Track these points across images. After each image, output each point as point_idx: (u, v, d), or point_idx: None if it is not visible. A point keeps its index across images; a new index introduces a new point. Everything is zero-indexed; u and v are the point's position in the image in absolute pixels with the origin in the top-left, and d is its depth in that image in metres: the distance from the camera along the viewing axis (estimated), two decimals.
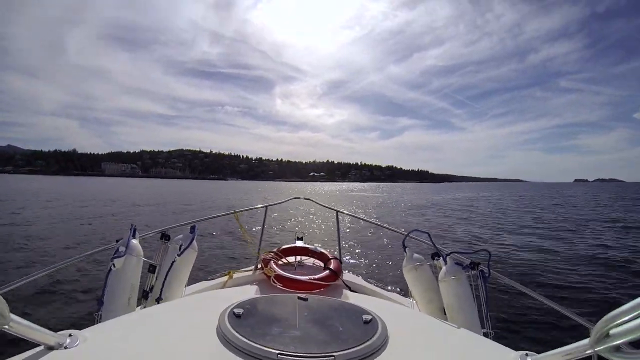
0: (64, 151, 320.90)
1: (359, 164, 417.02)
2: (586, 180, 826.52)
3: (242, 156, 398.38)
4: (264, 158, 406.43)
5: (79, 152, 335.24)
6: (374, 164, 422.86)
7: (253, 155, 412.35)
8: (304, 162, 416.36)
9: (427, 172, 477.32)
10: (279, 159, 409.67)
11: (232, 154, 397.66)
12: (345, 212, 3.47)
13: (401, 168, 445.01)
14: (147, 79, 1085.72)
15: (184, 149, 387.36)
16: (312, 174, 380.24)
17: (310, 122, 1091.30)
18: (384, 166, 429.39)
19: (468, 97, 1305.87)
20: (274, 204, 3.45)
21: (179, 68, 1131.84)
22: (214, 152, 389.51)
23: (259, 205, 3.28)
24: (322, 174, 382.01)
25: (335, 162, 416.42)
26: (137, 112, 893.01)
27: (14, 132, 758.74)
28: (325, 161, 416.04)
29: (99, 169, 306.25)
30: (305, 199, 3.79)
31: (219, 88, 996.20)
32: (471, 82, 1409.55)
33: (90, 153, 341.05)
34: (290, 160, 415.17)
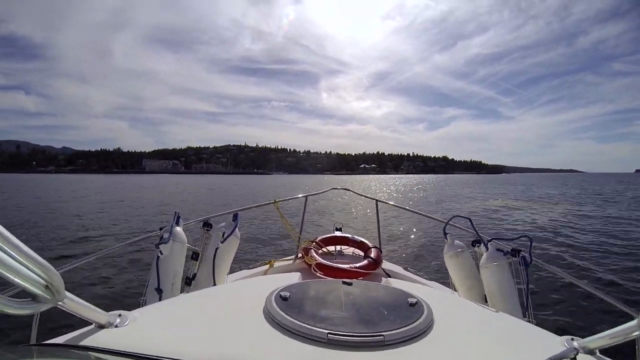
0: (105, 150, 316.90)
1: (411, 154, 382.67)
2: None
3: (289, 149, 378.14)
4: (312, 151, 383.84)
5: (125, 150, 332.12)
6: (425, 155, 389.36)
7: (301, 149, 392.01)
8: (353, 154, 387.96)
9: (481, 162, 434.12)
10: (328, 152, 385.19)
11: (279, 147, 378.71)
12: (384, 201, 3.51)
13: (453, 159, 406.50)
14: (193, 78, 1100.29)
15: (231, 144, 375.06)
16: (362, 165, 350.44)
17: (357, 114, 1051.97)
18: (438, 157, 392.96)
19: (515, 85, 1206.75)
20: (314, 194, 3.49)
21: (223, 66, 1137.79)
22: (260, 146, 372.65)
23: (299, 195, 3.28)
24: (373, 165, 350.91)
25: (386, 153, 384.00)
26: (185, 110, 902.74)
27: (69, 135, 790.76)
28: (375, 153, 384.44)
29: (140, 166, 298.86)
30: (344, 189, 3.83)
31: (264, 84, 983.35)
32: (518, 68, 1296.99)
33: (133, 151, 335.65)
34: (340, 152, 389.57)
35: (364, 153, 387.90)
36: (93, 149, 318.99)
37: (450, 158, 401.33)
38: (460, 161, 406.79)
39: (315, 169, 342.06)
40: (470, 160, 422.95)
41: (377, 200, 3.32)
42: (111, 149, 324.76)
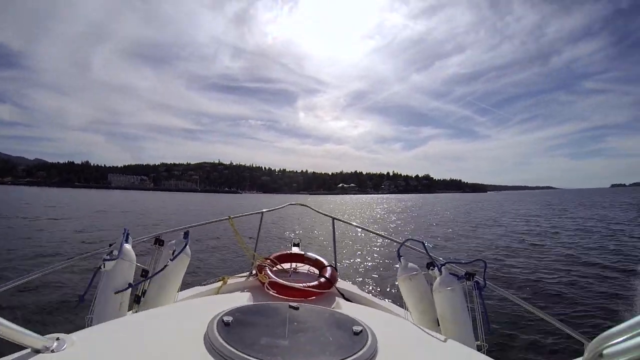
0: (71, 162, 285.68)
1: (391, 174, 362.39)
2: (624, 185, 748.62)
3: (264, 168, 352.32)
4: (287, 170, 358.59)
5: (99, 164, 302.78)
6: (405, 174, 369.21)
7: (276, 168, 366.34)
8: (330, 173, 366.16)
9: (460, 181, 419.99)
10: (304, 170, 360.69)
11: (254, 165, 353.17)
12: (341, 219, 3.43)
13: (432, 178, 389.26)
14: (171, 94, 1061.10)
15: (207, 162, 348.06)
16: (341, 185, 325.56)
17: (334, 134, 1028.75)
18: (420, 175, 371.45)
19: (491, 104, 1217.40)
20: (270, 210, 3.35)
21: (202, 83, 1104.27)
22: (234, 164, 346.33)
23: (255, 212, 3.18)
24: (352, 185, 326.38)
25: (364, 172, 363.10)
26: (162, 127, 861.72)
27: (43, 147, 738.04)
28: (352, 172, 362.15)
29: (105, 181, 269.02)
30: (301, 205, 3.75)
31: (243, 102, 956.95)
32: (494, 88, 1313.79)
33: (103, 165, 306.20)
34: (316, 172, 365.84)
35: (341, 172, 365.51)
36: (65, 162, 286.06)
37: (431, 177, 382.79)
38: (440, 180, 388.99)
39: (291, 189, 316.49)
40: (450, 179, 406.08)
41: (333, 218, 3.24)
42: (83, 162, 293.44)
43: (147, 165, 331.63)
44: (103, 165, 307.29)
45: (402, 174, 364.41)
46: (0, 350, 0.91)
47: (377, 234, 3.42)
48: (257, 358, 0.92)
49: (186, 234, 2.19)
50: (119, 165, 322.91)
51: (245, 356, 0.93)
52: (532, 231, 16.24)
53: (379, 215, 32.25)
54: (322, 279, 2.37)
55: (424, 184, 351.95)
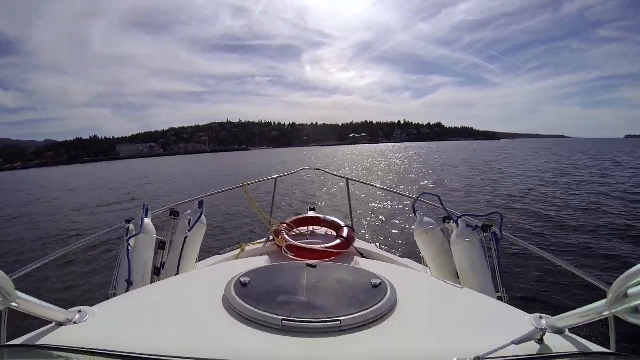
0: (79, 139, 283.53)
1: (402, 122, 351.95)
2: (638, 136, 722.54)
3: (274, 123, 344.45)
4: (297, 123, 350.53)
5: (107, 137, 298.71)
6: (416, 123, 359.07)
7: (286, 122, 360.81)
8: (340, 124, 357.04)
9: (472, 129, 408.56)
10: (314, 123, 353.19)
11: (263, 121, 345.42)
12: (355, 179, 3.42)
13: (444, 125, 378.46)
14: (174, 60, 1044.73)
15: (216, 122, 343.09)
16: (352, 135, 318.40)
17: (342, 85, 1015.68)
18: (432, 123, 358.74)
19: (501, 52, 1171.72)
20: (284, 175, 3.45)
21: (204, 45, 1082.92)
22: (242, 121, 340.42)
23: (268, 177, 3.23)
24: (363, 135, 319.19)
25: (374, 122, 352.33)
26: (167, 92, 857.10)
27: (51, 127, 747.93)
28: (363, 122, 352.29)
29: (114, 152, 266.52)
30: (314, 169, 3.89)
31: (247, 60, 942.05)
32: (503, 35, 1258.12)
33: (111, 137, 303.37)
34: (326, 123, 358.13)
35: (351, 122, 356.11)
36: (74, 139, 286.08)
37: (443, 125, 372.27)
38: (452, 128, 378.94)
39: (301, 142, 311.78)
40: (462, 127, 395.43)
41: (347, 179, 3.23)
42: (91, 137, 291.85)
43: (156, 132, 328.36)
44: (112, 137, 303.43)
45: (413, 123, 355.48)
46: (27, 325, 0.95)
47: (391, 191, 3.26)
48: (275, 314, 0.91)
49: (201, 204, 2.19)
50: (128, 136, 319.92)
51: (264, 313, 0.92)
52: (549, 182, 15.71)
53: (394, 167, 30.66)
54: (340, 240, 2.35)
55: (436, 132, 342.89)
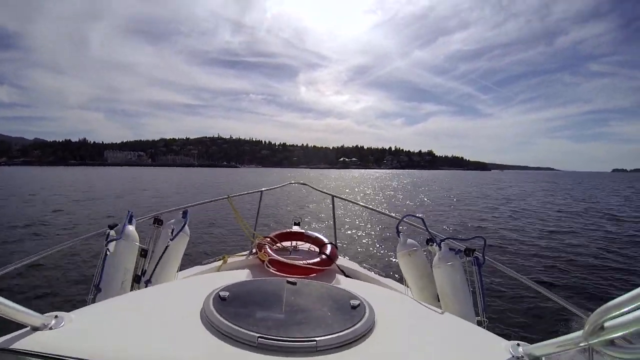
0: (68, 140, 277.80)
1: (393, 149, 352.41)
2: (625, 170, 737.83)
3: (264, 142, 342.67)
4: (288, 143, 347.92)
5: (98, 142, 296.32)
6: (407, 150, 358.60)
7: (277, 142, 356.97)
8: (331, 147, 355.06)
9: (462, 158, 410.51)
10: (305, 144, 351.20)
11: (254, 139, 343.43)
12: (341, 197, 3.40)
13: (435, 154, 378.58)
14: (171, 70, 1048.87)
15: (207, 136, 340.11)
16: (342, 159, 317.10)
17: (336, 108, 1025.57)
18: (424, 151, 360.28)
19: (494, 82, 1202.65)
20: (270, 189, 3.36)
21: (202, 58, 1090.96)
22: (234, 138, 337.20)
23: (254, 190, 3.19)
24: (354, 159, 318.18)
25: (365, 147, 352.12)
26: (162, 103, 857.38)
27: (42, 127, 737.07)
28: (354, 146, 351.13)
29: (102, 158, 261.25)
30: (301, 183, 3.75)
31: (243, 77, 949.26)
32: (497, 66, 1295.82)
33: (101, 143, 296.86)
34: (317, 145, 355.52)
35: (342, 146, 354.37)
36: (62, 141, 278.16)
37: (434, 153, 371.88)
38: (443, 157, 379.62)
39: (291, 163, 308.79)
40: (452, 156, 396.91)
41: (333, 196, 3.23)
42: (80, 140, 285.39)
43: (147, 141, 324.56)
44: (101, 143, 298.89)
45: (404, 150, 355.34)
46: (0, 328, 0.94)
47: (376, 210, 3.47)
48: (252, 331, 0.91)
49: (185, 213, 2.18)
50: (117, 142, 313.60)
51: (241, 329, 0.92)
52: (535, 212, 16.06)
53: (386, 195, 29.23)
54: (322, 257, 2.34)
55: (427, 160, 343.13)
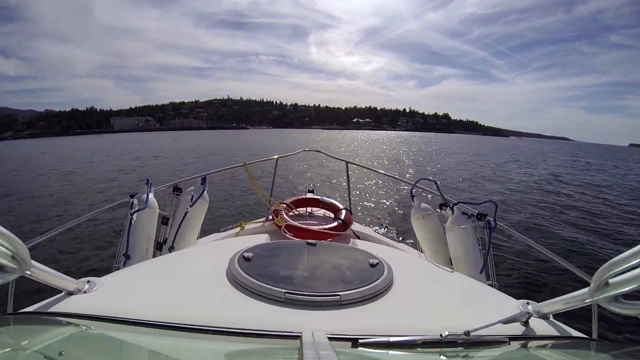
0: (75, 109, 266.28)
1: (407, 110, 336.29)
2: None
3: (275, 102, 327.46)
4: (299, 104, 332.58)
5: (107, 109, 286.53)
6: (422, 112, 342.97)
7: (288, 102, 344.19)
8: (343, 108, 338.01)
9: (477, 123, 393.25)
10: (317, 105, 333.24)
11: (265, 100, 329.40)
12: (354, 162, 3.42)
13: (451, 117, 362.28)
14: (178, 34, 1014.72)
15: (215, 99, 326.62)
16: (356, 120, 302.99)
17: (347, 69, 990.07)
18: (439, 114, 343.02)
19: (509, 48, 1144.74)
20: (285, 155, 3.43)
21: (210, 20, 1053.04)
22: (244, 99, 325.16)
23: (270, 157, 3.22)
24: (367, 120, 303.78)
25: (379, 108, 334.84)
26: (171, 67, 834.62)
27: (51, 97, 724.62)
28: (367, 107, 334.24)
29: (108, 125, 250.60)
30: (315, 150, 3.81)
31: (252, 38, 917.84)
32: (513, 31, 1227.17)
33: (109, 110, 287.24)
34: (329, 106, 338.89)
35: (355, 107, 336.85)
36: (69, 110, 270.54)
37: (450, 117, 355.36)
38: (458, 120, 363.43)
39: (303, 123, 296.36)
40: (467, 120, 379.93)
41: (347, 162, 3.22)
42: (88, 108, 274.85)
43: (155, 106, 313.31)
44: (109, 110, 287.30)
45: (419, 112, 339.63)
46: (37, 294, 0.98)
47: (390, 176, 3.22)
48: (278, 287, 0.94)
49: (204, 180, 2.21)
50: (126, 108, 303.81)
51: (268, 286, 0.94)
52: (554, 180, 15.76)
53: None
54: (338, 222, 2.36)
55: (443, 123, 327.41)
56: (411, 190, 2.20)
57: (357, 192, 10.68)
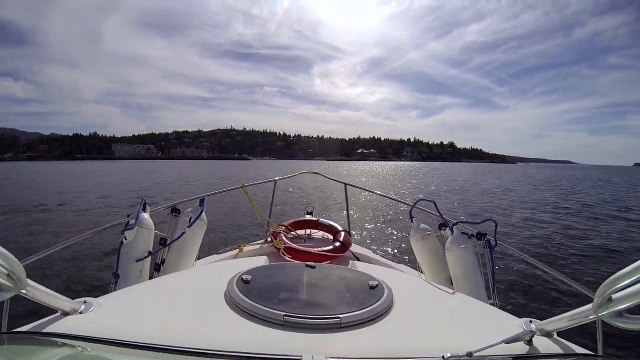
0: (77, 134, 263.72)
1: (412, 140, 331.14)
2: None
3: (279, 133, 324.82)
4: (302, 135, 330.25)
5: (110, 135, 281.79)
6: (426, 142, 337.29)
7: (291, 133, 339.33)
8: (347, 138, 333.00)
9: (481, 150, 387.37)
10: (320, 136, 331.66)
11: (268, 130, 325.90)
12: (353, 184, 3.40)
13: (455, 146, 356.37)
14: (185, 63, 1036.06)
15: (219, 128, 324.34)
16: (360, 150, 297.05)
17: (350, 100, 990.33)
18: (445, 143, 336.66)
19: (510, 74, 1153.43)
20: (284, 178, 3.39)
21: (216, 51, 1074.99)
22: (247, 129, 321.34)
23: (268, 179, 3.23)
24: (372, 151, 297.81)
25: (382, 138, 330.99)
26: (176, 96, 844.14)
27: (58, 121, 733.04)
28: (371, 137, 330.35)
29: (109, 151, 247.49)
30: (314, 172, 3.74)
31: (257, 69, 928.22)
32: (513, 58, 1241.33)
33: (112, 136, 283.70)
34: (333, 137, 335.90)
35: (359, 137, 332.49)
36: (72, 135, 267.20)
37: (456, 145, 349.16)
38: (462, 149, 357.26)
39: (306, 154, 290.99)
40: (471, 148, 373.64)
41: (345, 184, 3.22)
42: (91, 134, 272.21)
43: (159, 134, 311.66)
44: (112, 136, 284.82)
45: (423, 141, 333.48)
46: (32, 313, 0.96)
47: (388, 197, 3.40)
48: (277, 310, 0.92)
49: (202, 202, 2.19)
50: (129, 135, 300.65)
51: (267, 309, 0.93)
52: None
53: None
54: (337, 243, 2.34)
55: (448, 152, 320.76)
56: (410, 212, 2.18)
57: (356, 214, 10.98)
